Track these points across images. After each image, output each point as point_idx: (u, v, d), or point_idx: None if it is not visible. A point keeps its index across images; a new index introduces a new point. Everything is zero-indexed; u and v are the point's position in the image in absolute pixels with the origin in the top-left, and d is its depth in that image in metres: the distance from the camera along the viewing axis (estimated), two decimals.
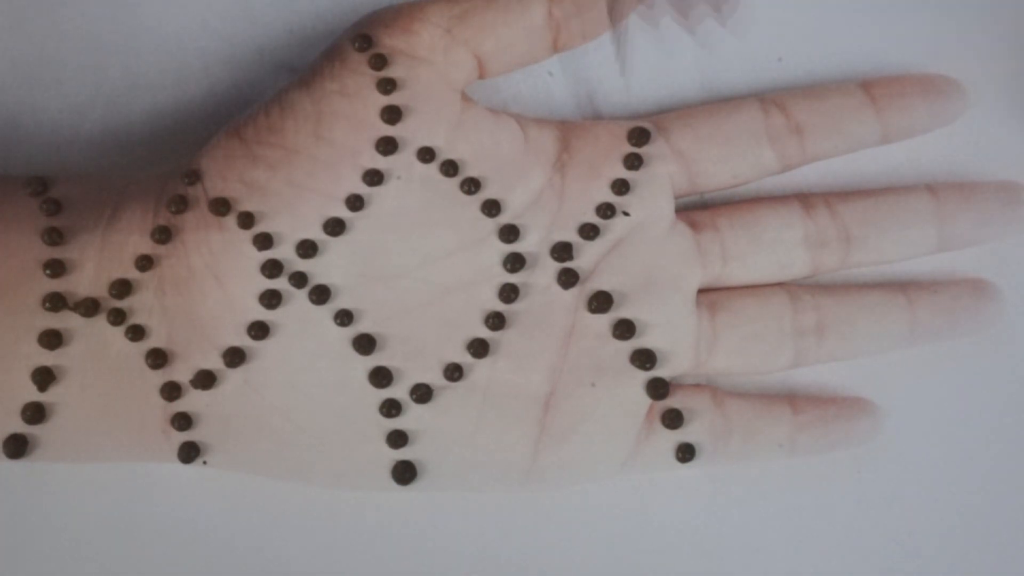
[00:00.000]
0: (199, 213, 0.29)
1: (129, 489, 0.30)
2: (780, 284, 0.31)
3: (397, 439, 0.29)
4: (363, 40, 0.30)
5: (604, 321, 0.30)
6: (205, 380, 0.29)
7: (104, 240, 0.29)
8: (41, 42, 0.33)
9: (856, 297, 0.31)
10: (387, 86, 0.30)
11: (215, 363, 0.29)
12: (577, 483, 0.30)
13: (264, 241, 0.29)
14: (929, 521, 0.30)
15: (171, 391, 0.28)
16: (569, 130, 0.32)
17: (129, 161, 0.33)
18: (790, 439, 0.30)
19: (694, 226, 0.31)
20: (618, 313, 0.30)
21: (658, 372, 0.30)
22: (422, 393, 0.29)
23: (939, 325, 0.31)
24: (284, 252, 0.29)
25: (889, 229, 0.31)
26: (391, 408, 0.29)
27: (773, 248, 0.31)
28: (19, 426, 0.28)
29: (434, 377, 0.29)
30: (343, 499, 0.30)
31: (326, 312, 0.29)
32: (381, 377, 0.29)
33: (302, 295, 0.29)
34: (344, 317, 0.29)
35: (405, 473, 0.29)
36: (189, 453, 0.28)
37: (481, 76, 0.31)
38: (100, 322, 0.28)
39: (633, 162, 0.31)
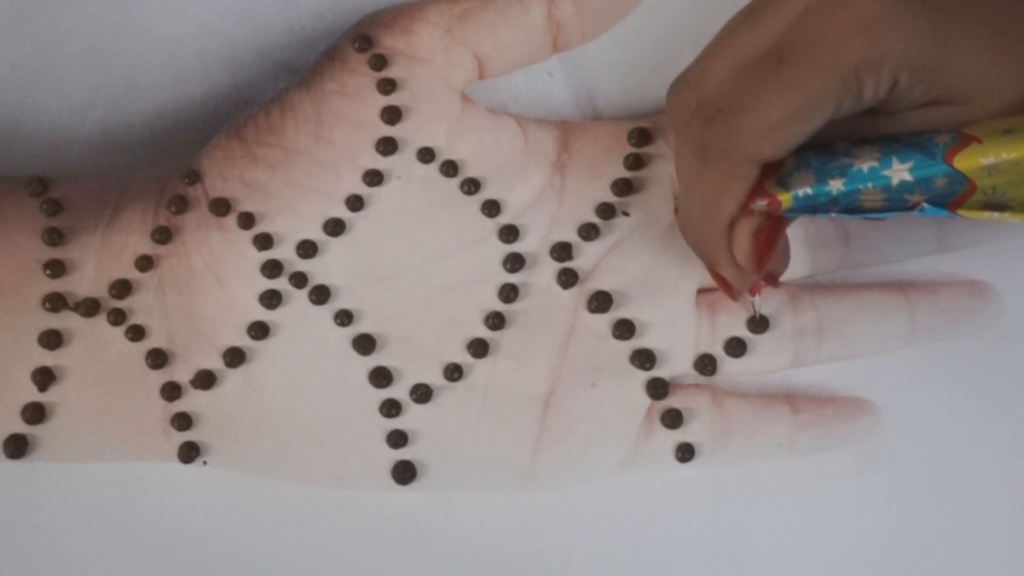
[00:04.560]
0: (199, 213, 0.29)
1: (129, 489, 0.30)
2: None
3: (397, 439, 0.29)
4: (363, 41, 0.30)
5: (604, 321, 0.30)
6: (205, 380, 0.29)
7: (104, 240, 0.29)
8: (41, 43, 0.33)
9: (856, 297, 0.31)
10: (387, 87, 0.30)
11: (215, 363, 0.29)
12: (577, 483, 0.30)
13: (264, 241, 0.29)
14: (928, 521, 0.30)
15: (171, 391, 0.28)
16: (569, 130, 0.32)
17: (129, 161, 0.33)
18: (789, 439, 0.30)
19: None
20: (618, 313, 0.30)
21: (658, 372, 0.30)
22: (422, 393, 0.29)
23: (938, 325, 0.31)
24: (284, 252, 0.30)
25: (888, 230, 0.31)
26: (391, 408, 0.29)
27: None
28: (19, 426, 0.28)
29: (434, 377, 0.29)
30: (343, 499, 0.30)
31: (326, 312, 0.29)
32: (381, 377, 0.29)
33: (302, 295, 0.29)
34: (344, 317, 0.29)
35: (405, 473, 0.29)
36: (189, 453, 0.28)
37: (481, 76, 0.31)
38: (100, 322, 0.29)
39: (633, 162, 0.31)
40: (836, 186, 0.26)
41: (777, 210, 0.26)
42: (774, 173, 0.26)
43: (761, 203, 0.26)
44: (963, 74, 0.25)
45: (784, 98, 0.24)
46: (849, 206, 0.26)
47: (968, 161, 0.25)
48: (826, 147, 0.26)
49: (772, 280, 0.28)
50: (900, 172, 0.25)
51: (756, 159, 0.25)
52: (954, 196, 0.25)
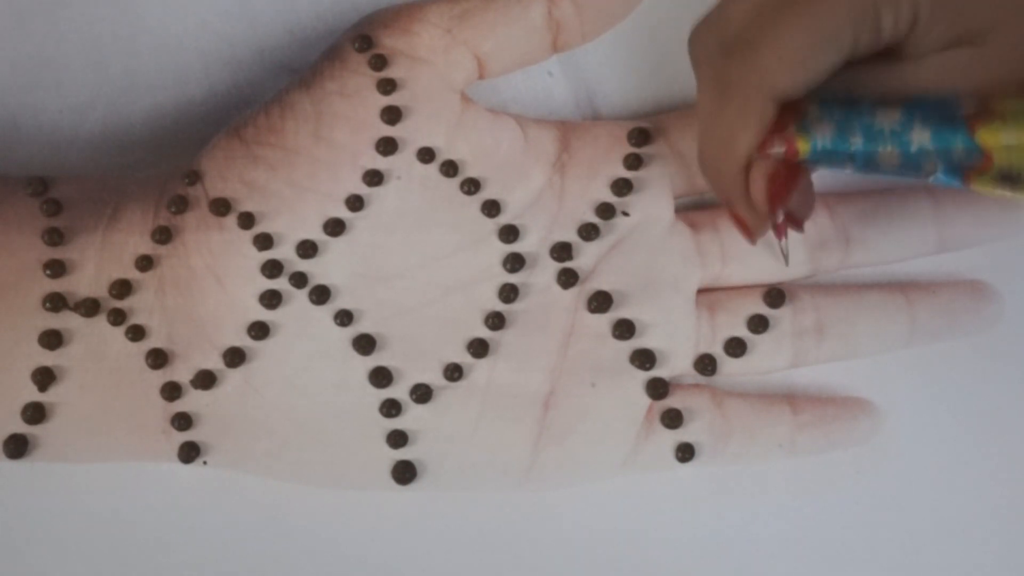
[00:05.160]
0: (199, 213, 0.29)
1: (129, 489, 0.30)
2: (779, 284, 0.31)
3: (397, 439, 0.29)
4: (363, 41, 0.30)
5: (604, 321, 0.30)
6: (205, 380, 0.29)
7: (104, 240, 0.29)
8: (41, 43, 0.33)
9: (856, 297, 0.31)
10: (387, 87, 0.30)
11: (215, 363, 0.29)
12: (577, 483, 0.30)
13: (264, 241, 0.29)
14: (929, 521, 0.30)
15: (171, 391, 0.28)
16: (569, 130, 0.32)
17: (129, 161, 0.33)
18: (790, 439, 0.30)
19: (693, 226, 0.31)
20: (618, 313, 0.30)
21: (657, 372, 0.30)
22: (422, 393, 0.29)
23: (938, 326, 0.31)
24: (284, 252, 0.30)
25: (888, 230, 0.31)
26: (391, 408, 0.29)
27: (772, 248, 0.31)
28: (19, 426, 0.28)
29: (434, 377, 0.29)
30: (343, 499, 0.30)
31: (326, 312, 0.29)
32: (381, 377, 0.29)
33: (302, 295, 0.29)
34: (344, 317, 0.29)
35: (405, 473, 0.29)
36: (189, 453, 0.28)
37: (481, 76, 0.31)
38: (100, 322, 0.29)
39: (633, 162, 0.31)
40: (855, 143, 0.26)
41: (794, 157, 0.26)
42: (795, 120, 0.26)
43: (779, 148, 0.26)
44: (983, 11, 0.25)
45: (801, 31, 0.24)
46: (865, 164, 0.26)
47: (989, 135, 0.25)
48: (850, 102, 0.27)
49: (797, 224, 0.28)
50: (920, 137, 0.25)
51: (773, 94, 0.25)
52: (970, 167, 0.25)
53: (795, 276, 0.31)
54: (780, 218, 0.27)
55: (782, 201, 0.27)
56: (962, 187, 0.25)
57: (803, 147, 0.26)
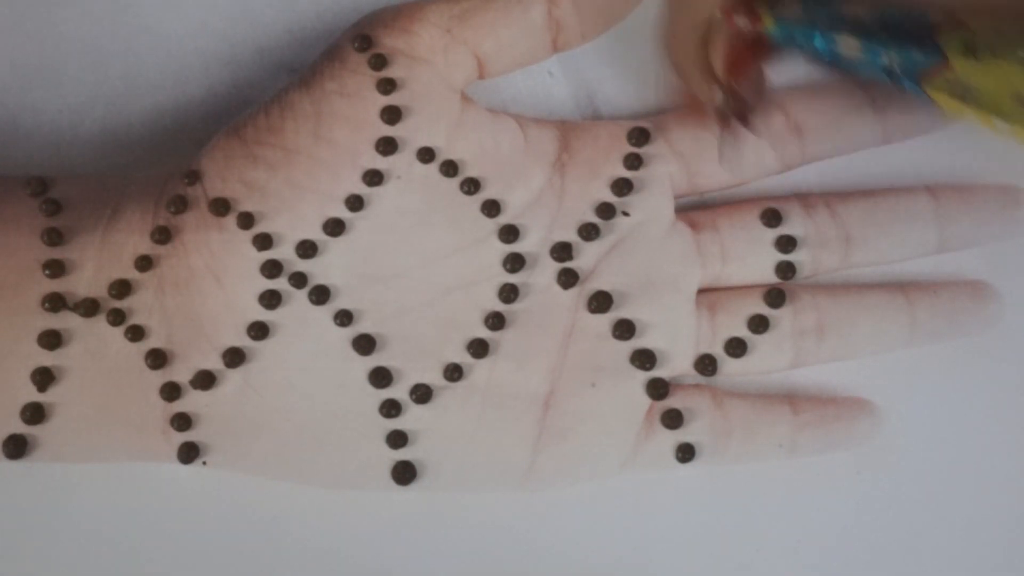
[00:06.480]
0: (199, 213, 0.29)
1: (129, 489, 0.30)
2: (780, 284, 0.31)
3: (397, 439, 0.29)
4: (363, 40, 0.30)
5: (604, 321, 0.30)
6: (205, 380, 0.29)
7: (104, 240, 0.29)
8: (41, 43, 0.33)
9: (856, 297, 0.31)
10: (387, 86, 0.30)
11: (215, 363, 0.29)
12: (576, 483, 0.30)
13: (264, 241, 0.29)
14: (929, 521, 0.30)
15: (171, 391, 0.28)
16: (569, 130, 0.32)
17: (129, 161, 0.33)
18: (790, 439, 0.30)
19: (694, 226, 0.31)
20: (618, 313, 0.30)
21: (658, 372, 0.30)
22: (422, 393, 0.29)
23: (938, 326, 0.31)
24: (284, 252, 0.30)
25: (889, 230, 0.31)
26: (391, 408, 0.29)
27: (773, 248, 0.31)
28: (19, 426, 0.28)
29: (434, 377, 0.29)
30: (343, 499, 0.30)
31: (326, 312, 0.29)
32: (381, 377, 0.29)
33: (302, 295, 0.29)
34: (344, 317, 0.29)
35: (405, 473, 0.29)
36: (189, 453, 0.28)
37: (481, 76, 0.31)
38: (100, 322, 0.28)
39: (633, 162, 0.31)
40: (819, 27, 0.26)
41: (757, 27, 0.27)
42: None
43: (743, 19, 0.27)
44: None
45: None
46: (826, 50, 0.27)
47: (951, 42, 0.25)
48: None
49: (744, 118, 0.28)
50: (883, 29, 0.26)
51: None
52: (927, 67, 0.26)
53: (795, 276, 0.31)
54: (730, 101, 0.27)
55: (739, 72, 0.27)
56: (918, 92, 0.25)
57: (768, 22, 0.26)
